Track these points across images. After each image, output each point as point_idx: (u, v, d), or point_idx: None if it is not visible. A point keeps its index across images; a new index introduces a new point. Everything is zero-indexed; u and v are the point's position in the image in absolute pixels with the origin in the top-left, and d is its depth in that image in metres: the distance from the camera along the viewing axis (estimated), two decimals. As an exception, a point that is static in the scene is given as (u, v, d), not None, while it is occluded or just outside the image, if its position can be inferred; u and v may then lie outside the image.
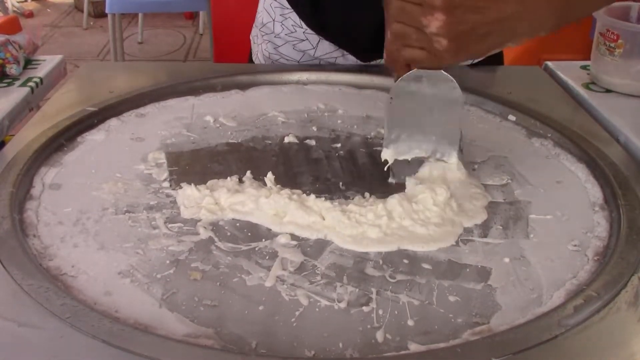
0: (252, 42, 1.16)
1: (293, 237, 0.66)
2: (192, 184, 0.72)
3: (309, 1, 1.02)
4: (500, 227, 0.68)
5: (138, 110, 0.93)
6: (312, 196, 0.70)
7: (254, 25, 1.15)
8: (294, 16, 1.04)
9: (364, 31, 0.98)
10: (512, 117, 0.92)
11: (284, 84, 1.02)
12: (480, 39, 0.64)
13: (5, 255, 0.60)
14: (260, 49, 1.12)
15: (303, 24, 1.04)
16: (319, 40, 1.05)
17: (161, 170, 0.78)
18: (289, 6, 1.04)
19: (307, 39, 1.05)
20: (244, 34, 1.25)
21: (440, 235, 0.66)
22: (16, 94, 0.98)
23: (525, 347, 0.51)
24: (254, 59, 1.17)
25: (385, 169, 0.76)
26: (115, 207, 0.70)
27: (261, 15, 1.10)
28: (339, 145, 0.86)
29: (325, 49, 1.05)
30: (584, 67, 1.11)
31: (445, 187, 0.70)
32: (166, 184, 0.75)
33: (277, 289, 0.59)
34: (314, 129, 0.90)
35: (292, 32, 1.05)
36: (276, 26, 1.07)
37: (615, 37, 1.00)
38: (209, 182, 0.73)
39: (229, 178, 0.75)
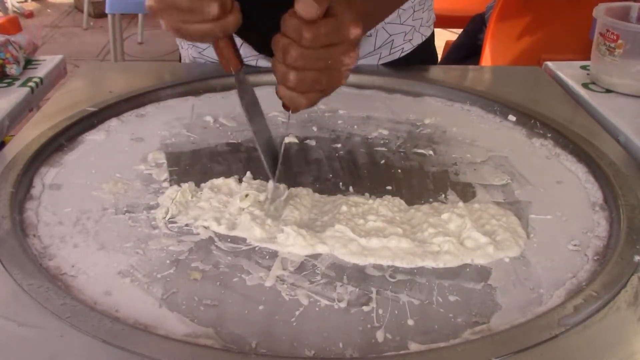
0: (179, 46, 1.16)
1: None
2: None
3: None
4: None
5: (138, 110, 0.93)
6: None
7: None
8: None
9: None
10: (512, 117, 0.92)
11: (284, 84, 1.02)
12: None
13: (5, 255, 0.60)
14: (187, 54, 1.12)
15: None
16: (242, 44, 1.03)
17: (161, 170, 0.78)
18: None
19: None
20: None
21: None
22: (16, 94, 0.98)
23: (525, 347, 0.51)
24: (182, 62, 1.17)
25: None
26: (115, 207, 0.70)
27: None
28: (339, 145, 0.86)
29: (246, 52, 1.05)
30: (584, 67, 1.11)
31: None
32: (166, 184, 0.75)
33: (277, 288, 0.59)
34: (314, 129, 0.90)
35: None
36: None
37: (615, 37, 1.00)
38: (209, 182, 0.73)
39: (229, 178, 0.75)
